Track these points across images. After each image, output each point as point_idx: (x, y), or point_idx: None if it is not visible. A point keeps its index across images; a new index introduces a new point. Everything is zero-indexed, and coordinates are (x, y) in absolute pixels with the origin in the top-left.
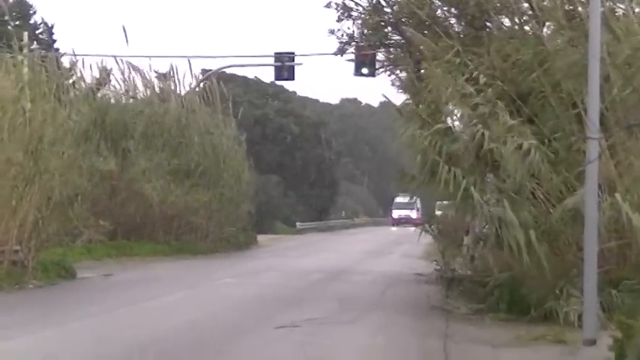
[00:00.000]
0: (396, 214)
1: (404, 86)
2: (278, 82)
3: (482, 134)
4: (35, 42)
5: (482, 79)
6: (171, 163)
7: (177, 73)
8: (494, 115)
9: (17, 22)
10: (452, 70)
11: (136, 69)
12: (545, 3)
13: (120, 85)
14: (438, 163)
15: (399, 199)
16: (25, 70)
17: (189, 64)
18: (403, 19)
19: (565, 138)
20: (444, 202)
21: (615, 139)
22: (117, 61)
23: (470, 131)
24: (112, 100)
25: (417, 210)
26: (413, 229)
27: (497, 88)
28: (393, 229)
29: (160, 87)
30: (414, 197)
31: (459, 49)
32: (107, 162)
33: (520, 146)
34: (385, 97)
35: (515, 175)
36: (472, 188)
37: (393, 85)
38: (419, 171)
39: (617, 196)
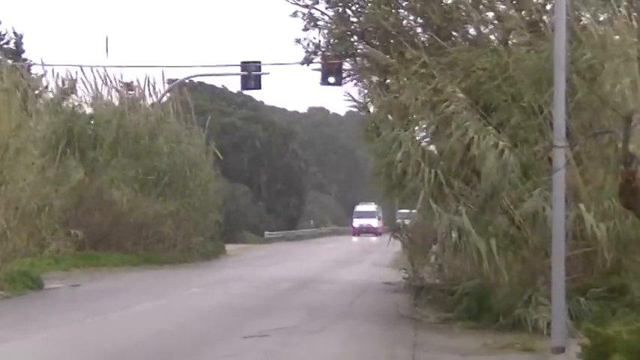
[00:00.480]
0: (357, 222)
1: (371, 96)
2: (245, 92)
3: (467, 135)
4: (1, 52)
5: (448, 89)
6: (139, 172)
7: (146, 82)
8: (463, 123)
9: None
10: (417, 82)
11: (103, 78)
12: (510, 12)
13: (87, 94)
14: (419, 164)
15: (360, 208)
16: None
17: (163, 74)
18: (369, 29)
19: (529, 147)
20: (405, 210)
21: (580, 147)
22: (83, 71)
23: (457, 133)
24: (80, 110)
25: (379, 219)
26: (375, 238)
27: (463, 98)
28: (354, 239)
29: (127, 96)
30: (376, 205)
31: (426, 59)
32: (75, 171)
33: (496, 145)
34: (355, 102)
35: (490, 177)
36: (430, 198)
37: (359, 94)
38: (388, 176)
39: (582, 206)
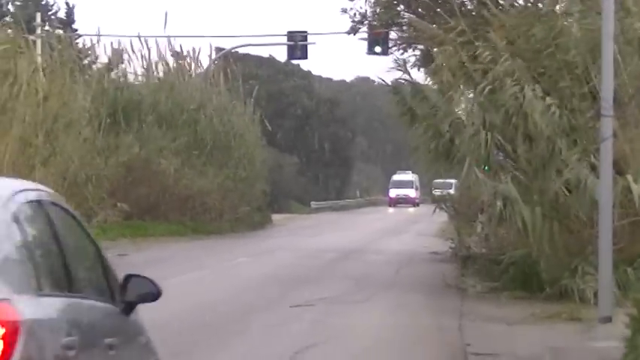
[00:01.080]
0: (393, 193)
1: (420, 62)
2: (293, 61)
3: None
4: (47, 24)
5: (487, 57)
6: (185, 142)
7: (192, 52)
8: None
9: (30, 2)
10: (463, 49)
11: (150, 49)
12: None
13: (135, 65)
14: (467, 131)
15: (397, 177)
16: (39, 51)
17: (210, 45)
18: None
19: (580, 114)
20: (440, 180)
21: (629, 117)
22: (131, 42)
23: (510, 93)
24: (128, 80)
25: (417, 189)
26: (412, 209)
27: (508, 64)
28: (391, 210)
29: (174, 66)
30: (414, 174)
31: (465, 28)
32: (123, 142)
33: (548, 108)
34: (403, 71)
35: (541, 143)
36: (476, 166)
37: (405, 64)
38: (435, 144)
39: (629, 177)
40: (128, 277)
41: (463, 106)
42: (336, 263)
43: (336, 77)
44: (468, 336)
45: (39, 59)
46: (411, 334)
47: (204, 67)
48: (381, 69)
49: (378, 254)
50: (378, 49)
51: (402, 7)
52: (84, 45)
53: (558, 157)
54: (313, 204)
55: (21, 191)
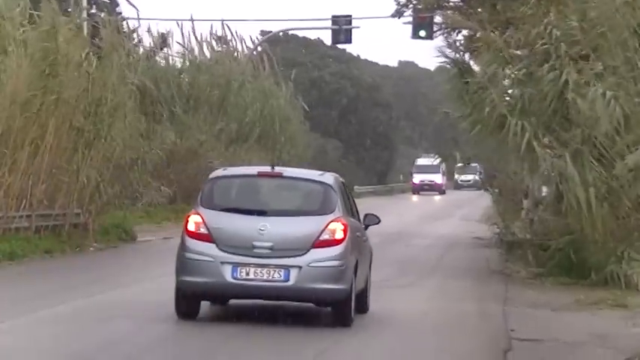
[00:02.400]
0: (417, 178)
1: (461, 49)
2: (339, 46)
3: (566, 80)
4: (95, 6)
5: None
6: (228, 127)
7: (236, 35)
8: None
9: None
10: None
11: (195, 32)
12: None
13: (180, 48)
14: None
15: (421, 161)
16: (85, 33)
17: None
18: None
19: (632, 98)
20: (460, 164)
21: None
22: (178, 25)
23: (553, 75)
24: (172, 63)
25: (443, 174)
26: (438, 197)
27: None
28: (414, 198)
29: (219, 50)
30: (440, 158)
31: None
32: (163, 128)
33: (604, 94)
34: (445, 56)
35: (595, 126)
36: (534, 142)
37: (449, 47)
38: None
39: None
40: (365, 215)
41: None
42: (379, 248)
43: (380, 62)
44: (512, 322)
45: (88, 42)
46: (455, 319)
47: (249, 50)
48: (427, 53)
49: (422, 239)
50: (422, 33)
51: None
52: (128, 28)
53: (604, 141)
54: (356, 188)
55: (335, 177)
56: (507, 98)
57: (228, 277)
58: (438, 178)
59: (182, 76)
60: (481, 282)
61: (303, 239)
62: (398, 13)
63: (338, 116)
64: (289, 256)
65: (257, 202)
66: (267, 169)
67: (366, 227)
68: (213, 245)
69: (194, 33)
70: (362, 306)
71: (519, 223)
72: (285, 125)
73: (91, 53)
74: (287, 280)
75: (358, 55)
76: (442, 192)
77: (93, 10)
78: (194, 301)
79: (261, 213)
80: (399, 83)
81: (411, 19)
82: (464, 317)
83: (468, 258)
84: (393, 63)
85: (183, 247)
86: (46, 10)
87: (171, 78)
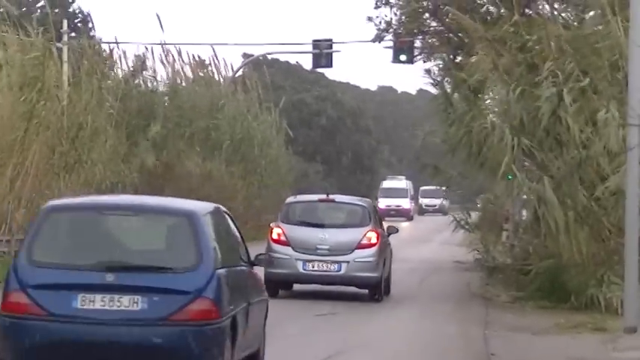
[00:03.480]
0: (383, 203)
1: (437, 80)
2: (319, 69)
3: (561, 99)
4: (73, 31)
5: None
6: (208, 147)
7: (216, 59)
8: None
9: (56, 10)
10: (494, 51)
11: (174, 56)
12: None
13: (157, 71)
14: (501, 131)
15: (387, 184)
16: (65, 58)
17: (220, 57)
18: (441, 6)
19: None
20: (430, 187)
21: None
22: (151, 50)
23: (549, 93)
24: (150, 86)
25: (411, 198)
26: (406, 224)
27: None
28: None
29: (198, 72)
30: (407, 181)
31: (487, 36)
32: (146, 149)
33: (594, 112)
34: (434, 80)
35: (583, 150)
36: (513, 165)
37: (429, 72)
38: (466, 146)
39: None
40: (387, 227)
41: (495, 109)
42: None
43: (361, 85)
44: (493, 345)
45: (65, 67)
46: (436, 343)
47: (230, 74)
48: (408, 77)
49: (404, 262)
50: (403, 57)
51: (427, 15)
52: (105, 52)
53: (592, 165)
54: None
55: (368, 201)
56: (492, 119)
57: (300, 269)
58: (405, 203)
59: (165, 99)
60: (462, 305)
61: (350, 243)
62: (378, 38)
63: (320, 139)
64: (341, 255)
65: (318, 218)
66: (323, 196)
67: (389, 235)
68: (290, 248)
69: (179, 54)
70: (386, 289)
71: (500, 247)
72: (267, 149)
73: (70, 77)
74: (339, 270)
75: (335, 80)
76: (410, 218)
77: (72, 34)
78: (276, 285)
79: (321, 226)
80: (380, 107)
81: (391, 43)
82: (445, 340)
83: (449, 282)
84: (374, 87)
85: (269, 249)
86: (35, 38)
87: (150, 100)
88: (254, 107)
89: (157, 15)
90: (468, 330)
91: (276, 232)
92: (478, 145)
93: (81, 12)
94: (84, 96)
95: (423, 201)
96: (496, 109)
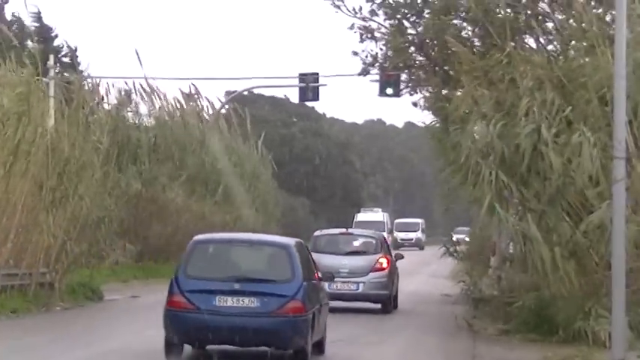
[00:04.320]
0: None
1: (429, 106)
2: (306, 103)
3: (540, 134)
4: (58, 65)
5: (524, 84)
6: (192, 180)
7: (201, 95)
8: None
9: (41, 45)
10: (479, 84)
11: (159, 90)
12: (571, 22)
13: (142, 106)
14: (479, 166)
15: (362, 217)
16: (51, 93)
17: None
18: (427, 40)
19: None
20: (404, 220)
21: None
22: (134, 84)
23: (529, 129)
24: (135, 122)
25: (389, 232)
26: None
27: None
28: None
29: (184, 107)
30: (384, 213)
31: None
32: (132, 182)
33: (585, 143)
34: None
35: (563, 179)
36: (496, 204)
37: (416, 105)
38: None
39: None
40: (395, 254)
41: (477, 143)
42: (349, 304)
43: (347, 119)
44: None
45: (52, 101)
46: None
47: (215, 109)
48: (394, 111)
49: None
50: (389, 90)
51: (413, 49)
52: (91, 86)
53: (575, 196)
54: None
55: (381, 234)
56: (469, 153)
57: (327, 289)
58: None
59: (149, 135)
60: (450, 338)
61: (366, 267)
62: (364, 72)
63: (307, 173)
64: (358, 277)
65: (339, 248)
66: (344, 230)
67: (396, 260)
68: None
69: (158, 91)
70: (394, 303)
71: (487, 279)
72: (255, 183)
73: (56, 112)
74: (357, 289)
75: (324, 114)
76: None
77: (57, 69)
78: None
79: (342, 253)
80: (366, 140)
81: (377, 77)
82: None
83: (436, 314)
84: (360, 120)
85: None
86: (20, 73)
87: (136, 135)
88: (239, 142)
89: (136, 51)
90: None
91: None
92: (462, 178)
93: (68, 46)
94: (70, 130)
95: (399, 235)
96: (478, 144)
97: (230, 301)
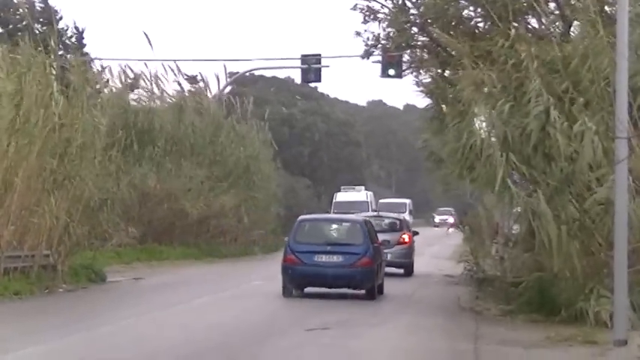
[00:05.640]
0: None
1: (429, 89)
2: (309, 84)
3: (549, 116)
4: (62, 47)
5: (529, 68)
6: (203, 170)
7: (205, 76)
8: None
9: (45, 28)
10: (484, 67)
11: (166, 73)
12: (573, 2)
13: (150, 88)
14: (492, 147)
15: (343, 196)
16: (54, 75)
17: (225, 68)
18: (429, 20)
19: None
20: (388, 200)
21: None
22: (146, 65)
23: (537, 111)
24: (142, 103)
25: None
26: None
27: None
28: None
29: (190, 90)
30: (368, 192)
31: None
32: (137, 166)
33: (589, 129)
34: (425, 91)
35: (576, 161)
36: (508, 179)
37: (418, 86)
38: (459, 160)
39: None
40: (413, 231)
41: (484, 125)
42: None
43: (351, 100)
44: (484, 359)
45: (55, 84)
46: (427, 357)
47: (219, 90)
48: (396, 92)
49: (393, 277)
50: (391, 72)
51: (415, 29)
52: (96, 69)
53: (580, 178)
54: None
55: (404, 216)
56: (484, 134)
57: None
58: None
59: (153, 115)
60: (452, 319)
61: (392, 241)
62: (367, 53)
63: (309, 154)
64: (387, 248)
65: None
66: (376, 214)
67: (414, 235)
68: None
69: (164, 73)
70: (411, 268)
71: (490, 260)
72: (257, 164)
73: (58, 93)
74: (386, 257)
75: (327, 94)
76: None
77: (61, 52)
78: None
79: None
80: (369, 121)
81: (380, 58)
82: (436, 355)
83: (439, 295)
84: (363, 102)
85: None
86: (23, 54)
87: (142, 118)
88: (243, 124)
89: (145, 33)
90: (459, 344)
91: None
92: (468, 159)
93: (75, 27)
94: (72, 112)
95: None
96: (484, 125)
97: (324, 258)
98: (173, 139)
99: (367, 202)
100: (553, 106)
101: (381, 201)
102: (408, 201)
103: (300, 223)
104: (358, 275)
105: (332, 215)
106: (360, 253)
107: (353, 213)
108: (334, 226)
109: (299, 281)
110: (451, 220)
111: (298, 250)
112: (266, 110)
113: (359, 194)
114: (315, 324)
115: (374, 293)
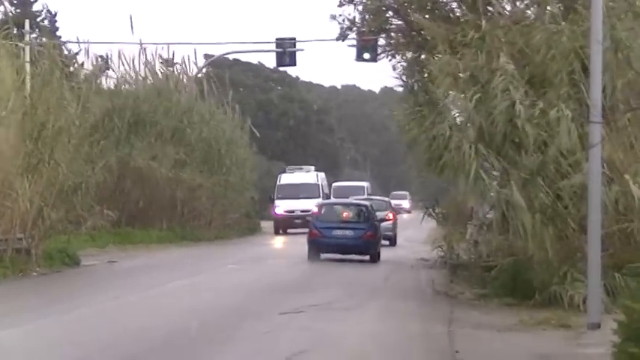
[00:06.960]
0: (281, 207)
1: (405, 72)
2: (282, 68)
3: (513, 106)
4: (37, 30)
5: (501, 60)
6: (175, 150)
7: (181, 60)
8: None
9: (18, 10)
10: (458, 54)
11: (139, 56)
12: None
13: (124, 71)
14: (461, 138)
15: (288, 178)
16: (27, 58)
17: (195, 51)
18: (405, 4)
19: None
20: (346, 183)
21: (620, 122)
22: (120, 51)
23: (504, 105)
24: (116, 86)
25: (326, 197)
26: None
27: (511, 69)
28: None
29: (163, 73)
30: (317, 173)
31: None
32: (112, 149)
33: (565, 116)
34: (400, 79)
35: (547, 149)
36: (481, 170)
37: (395, 69)
38: (428, 150)
39: (627, 177)
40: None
41: (456, 114)
42: (325, 269)
43: (325, 84)
44: (457, 343)
45: (27, 66)
46: (401, 341)
47: (193, 74)
48: (371, 75)
49: (368, 261)
50: (366, 55)
51: (390, 13)
52: (70, 52)
53: (550, 164)
54: None
55: (388, 199)
56: (450, 126)
57: None
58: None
59: (127, 98)
60: (426, 303)
61: (380, 218)
62: (342, 36)
63: (284, 138)
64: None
65: None
66: (366, 197)
67: (397, 214)
68: None
69: (137, 56)
70: (395, 240)
71: (464, 244)
72: (232, 148)
73: (29, 77)
74: None
75: (298, 77)
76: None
77: (34, 35)
78: None
79: None
80: (344, 105)
81: (355, 41)
82: (409, 338)
83: (413, 279)
84: (338, 85)
85: None
86: None
87: (116, 100)
88: (218, 108)
89: (130, 16)
90: (433, 327)
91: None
92: (438, 149)
93: (48, 11)
94: (46, 95)
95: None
96: (456, 115)
97: (339, 232)
98: (146, 122)
99: (317, 184)
100: (519, 101)
101: (335, 184)
102: (366, 184)
103: (322, 205)
104: (364, 245)
105: (344, 200)
106: (365, 229)
107: (300, 198)
108: (346, 208)
109: (321, 249)
110: (406, 204)
111: (320, 227)
112: (243, 95)
113: (307, 176)
114: (289, 308)
115: (376, 258)
